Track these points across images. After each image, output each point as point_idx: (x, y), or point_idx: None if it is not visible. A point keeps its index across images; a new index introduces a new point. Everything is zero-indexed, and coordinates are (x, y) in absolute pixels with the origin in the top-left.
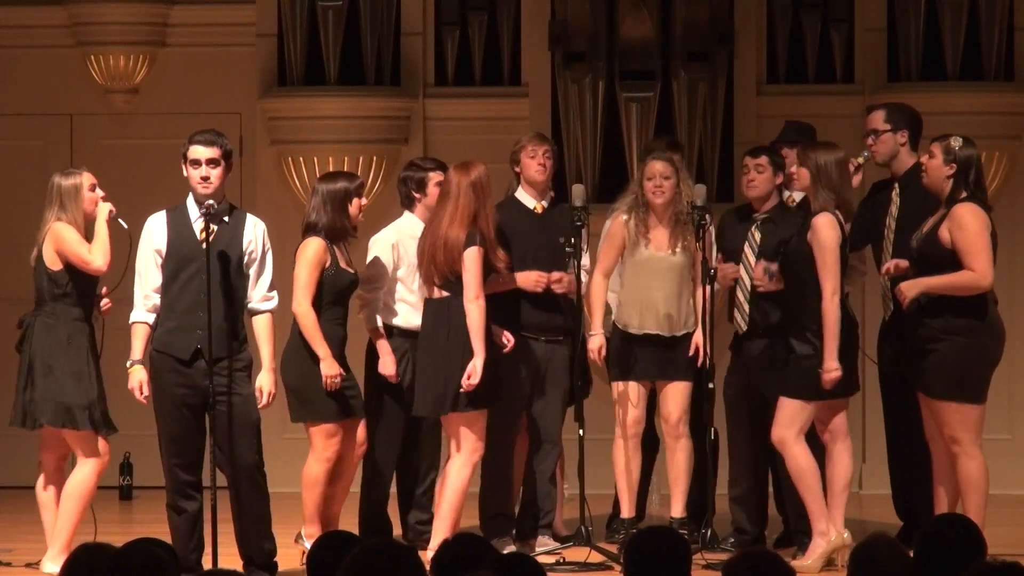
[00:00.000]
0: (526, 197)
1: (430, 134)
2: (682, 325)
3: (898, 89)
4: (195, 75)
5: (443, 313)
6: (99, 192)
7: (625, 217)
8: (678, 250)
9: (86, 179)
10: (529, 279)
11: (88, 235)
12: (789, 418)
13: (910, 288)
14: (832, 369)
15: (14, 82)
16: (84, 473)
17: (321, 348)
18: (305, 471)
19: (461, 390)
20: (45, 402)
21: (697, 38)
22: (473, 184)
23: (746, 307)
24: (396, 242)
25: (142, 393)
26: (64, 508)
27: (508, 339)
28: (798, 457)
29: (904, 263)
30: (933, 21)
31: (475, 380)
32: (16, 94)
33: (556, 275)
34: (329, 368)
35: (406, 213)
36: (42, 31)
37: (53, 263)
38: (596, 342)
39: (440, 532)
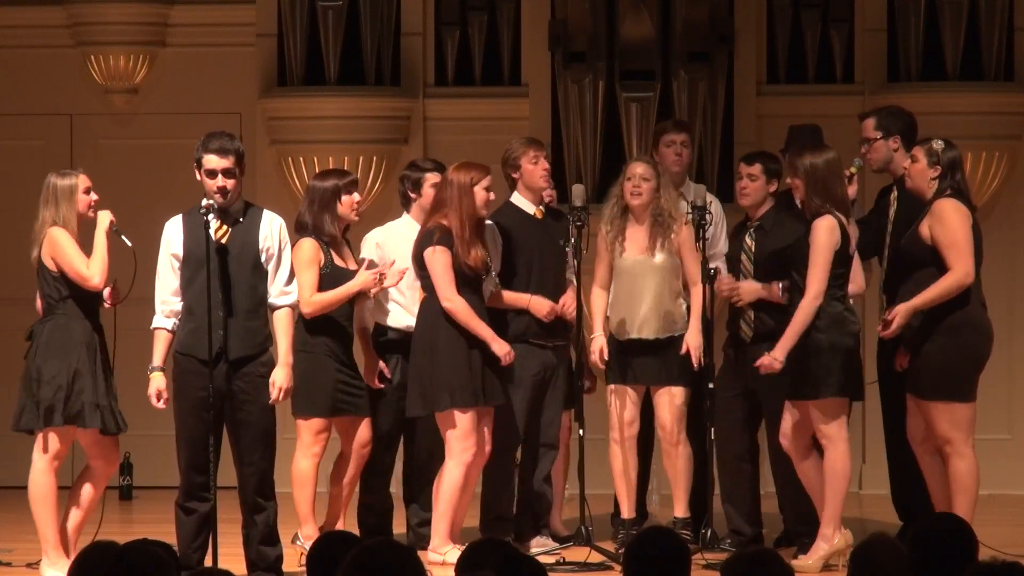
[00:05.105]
0: (524, 202)
1: (430, 134)
2: (673, 326)
3: (898, 89)
4: (195, 75)
5: (426, 313)
6: (93, 196)
7: (604, 228)
8: (658, 250)
9: (81, 181)
10: (542, 309)
11: (83, 238)
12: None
13: (900, 315)
14: (775, 359)
15: (14, 82)
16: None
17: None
18: (294, 468)
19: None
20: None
21: (697, 38)
22: (448, 181)
23: (750, 314)
24: (380, 242)
25: (159, 400)
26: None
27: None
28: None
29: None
30: (933, 21)
31: (505, 361)
32: (16, 94)
33: (567, 302)
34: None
35: (404, 213)
36: (42, 31)
37: (53, 267)
38: (596, 344)
39: (438, 533)
